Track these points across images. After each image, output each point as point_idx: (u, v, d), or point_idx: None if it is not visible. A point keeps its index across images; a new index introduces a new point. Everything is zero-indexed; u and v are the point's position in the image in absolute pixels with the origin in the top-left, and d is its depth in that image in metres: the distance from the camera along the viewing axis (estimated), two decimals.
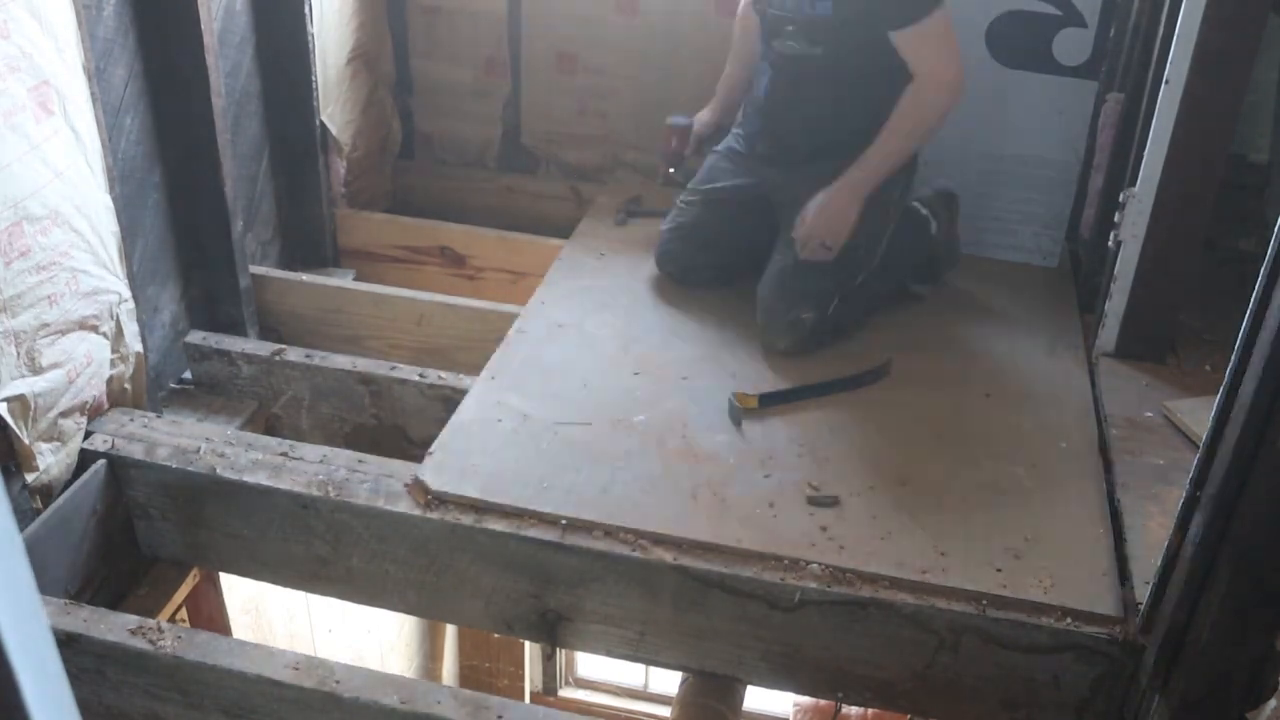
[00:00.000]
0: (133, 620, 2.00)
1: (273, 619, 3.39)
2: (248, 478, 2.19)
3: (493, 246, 3.34)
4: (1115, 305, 2.60)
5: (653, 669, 4.99)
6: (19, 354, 2.06)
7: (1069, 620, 1.89)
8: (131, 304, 2.39)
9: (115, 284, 2.32)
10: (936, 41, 2.48)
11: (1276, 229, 1.41)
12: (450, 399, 2.52)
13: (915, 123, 2.55)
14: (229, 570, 2.45)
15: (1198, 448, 1.58)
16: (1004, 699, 1.98)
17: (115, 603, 2.28)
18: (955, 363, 2.63)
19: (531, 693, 5.25)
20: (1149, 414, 2.42)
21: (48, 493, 2.18)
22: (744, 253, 2.83)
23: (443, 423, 2.35)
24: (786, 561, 1.99)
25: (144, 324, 2.47)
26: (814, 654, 2.02)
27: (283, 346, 2.73)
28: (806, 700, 3.59)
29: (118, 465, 2.27)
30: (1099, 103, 3.03)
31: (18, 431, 2.07)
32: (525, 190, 3.69)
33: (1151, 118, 2.40)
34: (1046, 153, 3.07)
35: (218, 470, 2.21)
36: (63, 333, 2.17)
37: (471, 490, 2.12)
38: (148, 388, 2.50)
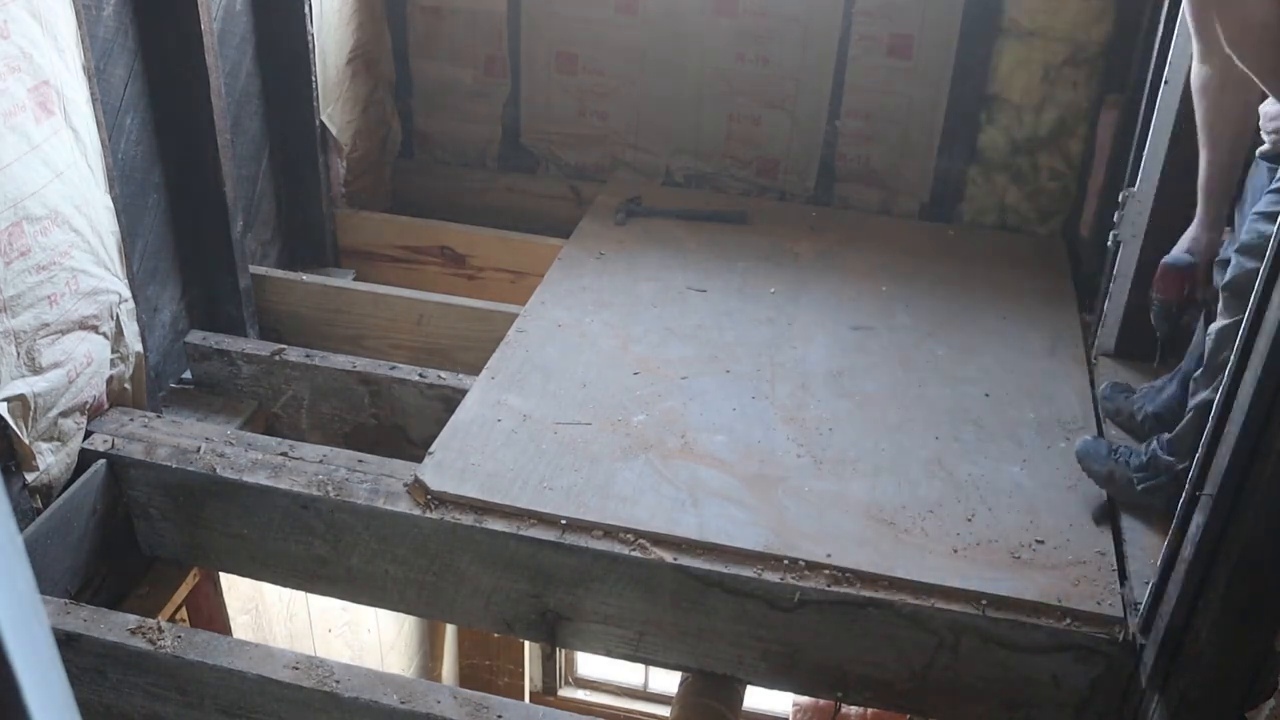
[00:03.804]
0: (133, 620, 2.00)
1: (273, 619, 3.39)
2: (248, 478, 2.19)
3: (493, 246, 3.34)
4: (1115, 305, 2.60)
5: (653, 669, 4.99)
6: (19, 354, 2.06)
7: (1068, 620, 1.89)
8: (131, 304, 2.39)
9: (115, 284, 2.32)
10: None
11: (1276, 229, 1.42)
12: (450, 399, 2.52)
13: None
14: (229, 570, 2.45)
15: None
16: (1004, 698, 1.99)
17: (115, 602, 2.28)
18: (956, 363, 2.63)
19: (531, 692, 5.25)
20: None
21: (48, 493, 2.18)
22: None
23: (443, 423, 2.35)
24: (786, 561, 1.99)
25: (144, 324, 2.47)
26: (813, 654, 2.02)
27: (283, 346, 2.73)
28: (806, 700, 3.59)
29: (118, 465, 2.27)
30: (1099, 103, 3.03)
31: (18, 431, 2.07)
32: (525, 190, 3.69)
33: (1151, 118, 2.40)
34: None
35: (218, 470, 2.21)
36: (63, 333, 2.17)
37: (471, 490, 2.12)
38: (148, 388, 2.50)
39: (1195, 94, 2.08)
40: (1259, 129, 1.99)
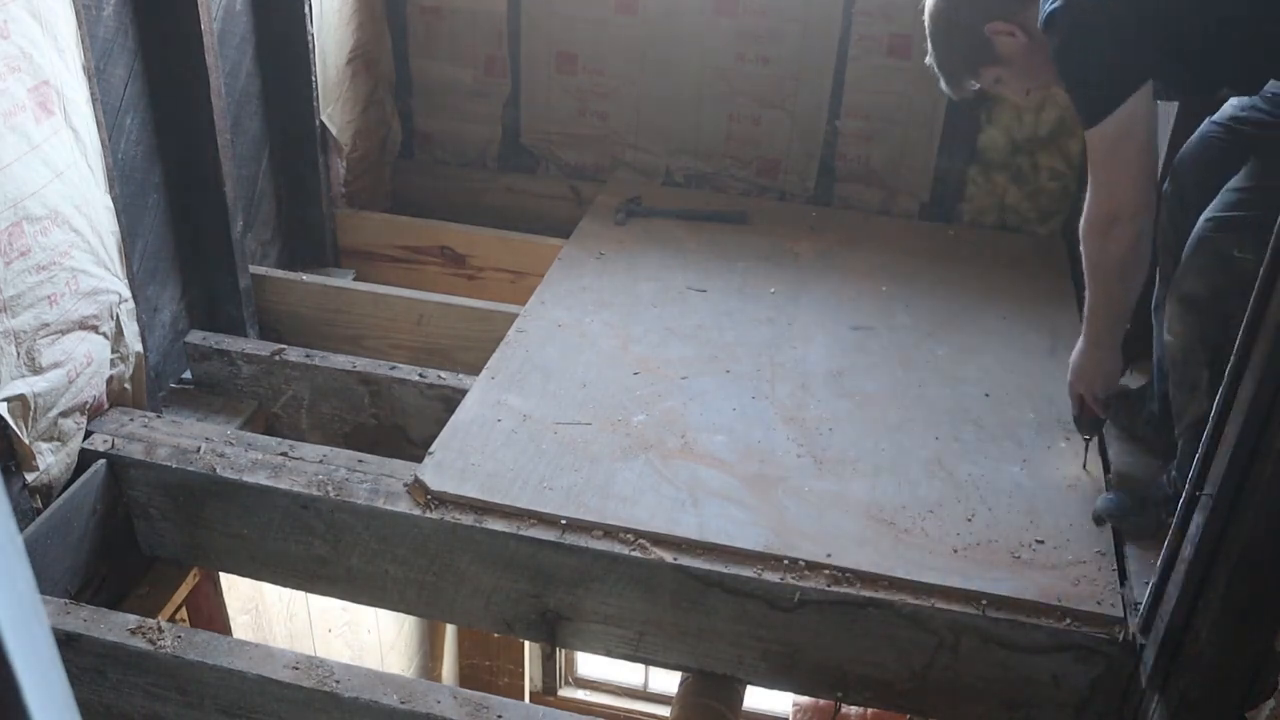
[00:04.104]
0: (133, 620, 2.00)
1: (273, 619, 3.39)
2: (248, 478, 2.19)
3: (493, 246, 3.34)
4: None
5: (653, 669, 4.99)
6: (19, 354, 2.06)
7: (1068, 620, 1.89)
8: (131, 304, 2.39)
9: (115, 284, 2.32)
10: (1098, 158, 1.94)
11: (1276, 228, 1.42)
12: (450, 399, 2.52)
13: (1089, 266, 2.03)
14: (229, 570, 2.45)
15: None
16: (1004, 699, 1.99)
17: (115, 602, 2.28)
18: (956, 363, 2.63)
19: (531, 692, 5.26)
20: None
21: (48, 493, 2.18)
22: None
23: (443, 423, 2.35)
24: (786, 561, 1.99)
25: (144, 324, 2.47)
26: (813, 654, 2.03)
27: (283, 346, 2.73)
28: (806, 700, 3.59)
29: (118, 465, 2.27)
30: None
31: (18, 431, 2.07)
32: (525, 190, 3.69)
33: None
34: None
35: (218, 470, 2.21)
36: (63, 333, 2.17)
37: (471, 490, 2.12)
38: (148, 388, 2.50)
39: (1083, 239, 2.03)
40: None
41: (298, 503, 2.17)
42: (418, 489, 2.14)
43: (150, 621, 2.00)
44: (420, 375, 2.62)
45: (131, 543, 2.35)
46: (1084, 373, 2.15)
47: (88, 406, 2.29)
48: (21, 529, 2.08)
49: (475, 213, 3.58)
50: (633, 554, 2.01)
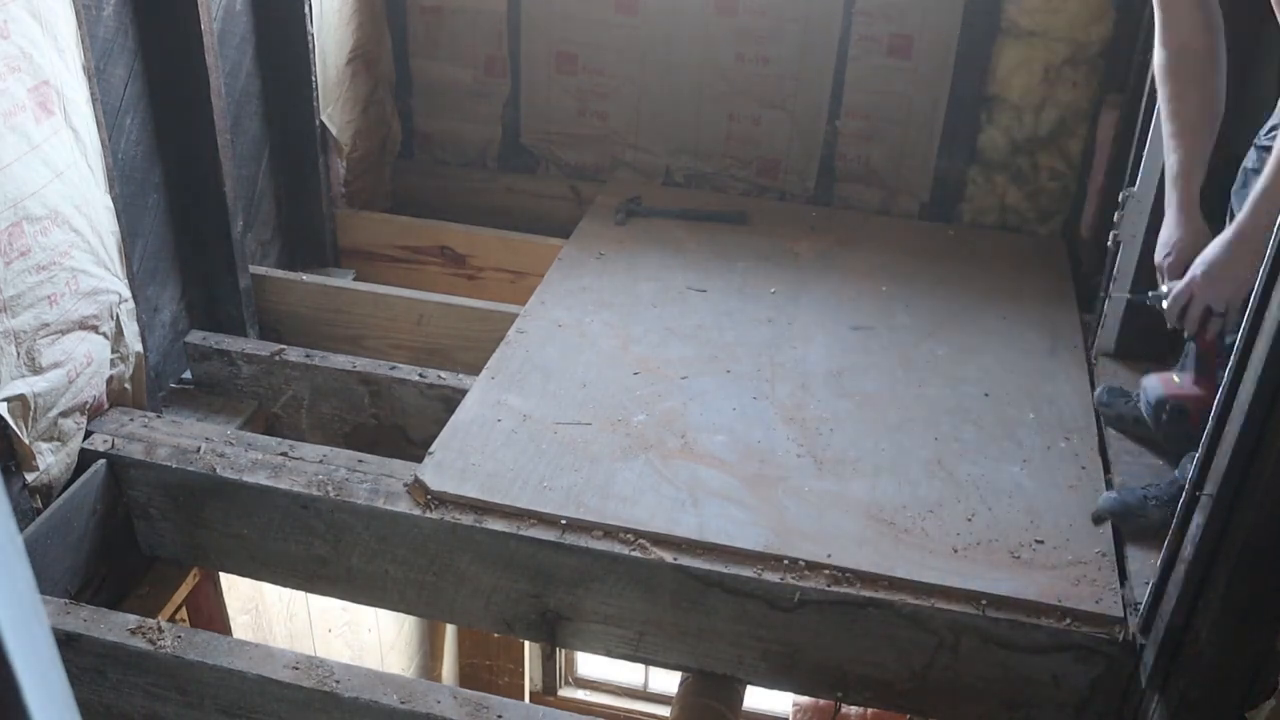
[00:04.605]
0: (133, 620, 2.00)
1: (273, 619, 3.39)
2: (248, 478, 2.19)
3: (493, 246, 3.34)
4: (1114, 305, 2.60)
5: (653, 669, 4.99)
6: (19, 354, 2.06)
7: (1068, 620, 1.89)
8: (131, 304, 2.39)
9: (115, 284, 2.32)
10: None
11: (1275, 229, 1.42)
12: (450, 399, 2.52)
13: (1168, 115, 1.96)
14: (229, 570, 2.45)
15: None
16: (1003, 699, 1.99)
17: (115, 602, 2.28)
18: (956, 363, 2.63)
19: (531, 692, 5.25)
20: None
21: (48, 493, 2.18)
22: None
23: (443, 423, 2.35)
24: (786, 561, 1.99)
25: (144, 324, 2.47)
26: (813, 654, 2.03)
27: (283, 346, 2.73)
28: (806, 700, 3.59)
29: (118, 465, 2.27)
30: (1099, 103, 3.03)
31: (18, 431, 2.07)
32: (525, 190, 3.69)
33: (1151, 118, 2.40)
34: None
35: (218, 470, 2.21)
36: (63, 333, 2.17)
37: (471, 490, 2.12)
38: (148, 388, 2.50)
39: (1158, 82, 2.00)
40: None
41: (298, 503, 2.17)
42: (418, 489, 2.14)
43: (150, 621, 2.00)
44: (420, 375, 2.62)
45: (131, 543, 2.35)
46: (1214, 277, 1.85)
47: (88, 406, 2.29)
48: (21, 529, 2.08)
49: (475, 213, 3.59)
50: (633, 554, 2.01)
